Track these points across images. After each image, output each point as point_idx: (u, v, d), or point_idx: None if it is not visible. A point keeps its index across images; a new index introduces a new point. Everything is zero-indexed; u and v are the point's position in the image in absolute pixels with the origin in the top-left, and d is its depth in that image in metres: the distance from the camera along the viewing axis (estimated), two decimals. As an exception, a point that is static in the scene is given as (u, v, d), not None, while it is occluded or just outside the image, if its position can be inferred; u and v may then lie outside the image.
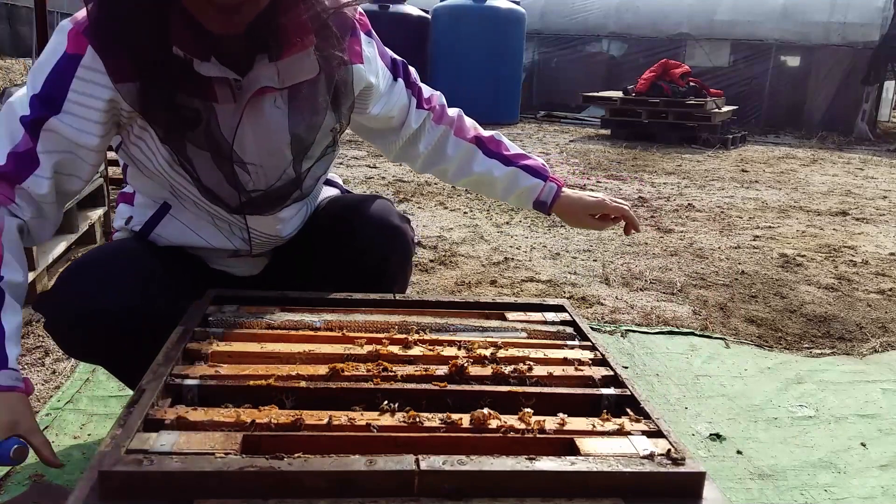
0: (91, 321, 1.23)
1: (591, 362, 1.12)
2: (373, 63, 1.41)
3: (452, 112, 1.60)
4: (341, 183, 1.70)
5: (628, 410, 0.98)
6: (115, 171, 3.53)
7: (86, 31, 1.15)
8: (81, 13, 1.17)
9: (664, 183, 5.94)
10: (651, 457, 0.84)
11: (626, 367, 2.26)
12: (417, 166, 1.62)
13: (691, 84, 8.79)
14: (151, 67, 1.14)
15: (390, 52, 1.51)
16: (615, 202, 1.58)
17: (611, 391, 1.03)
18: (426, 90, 1.58)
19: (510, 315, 1.31)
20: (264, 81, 1.22)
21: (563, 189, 1.59)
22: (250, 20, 1.13)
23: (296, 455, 0.78)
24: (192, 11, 1.11)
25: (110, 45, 1.14)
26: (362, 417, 0.90)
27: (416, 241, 1.66)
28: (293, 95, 1.27)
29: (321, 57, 1.25)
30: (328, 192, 1.61)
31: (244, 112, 1.23)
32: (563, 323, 1.29)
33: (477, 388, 1.01)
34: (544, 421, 0.92)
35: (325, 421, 0.88)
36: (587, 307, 2.81)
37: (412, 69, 1.56)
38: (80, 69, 1.16)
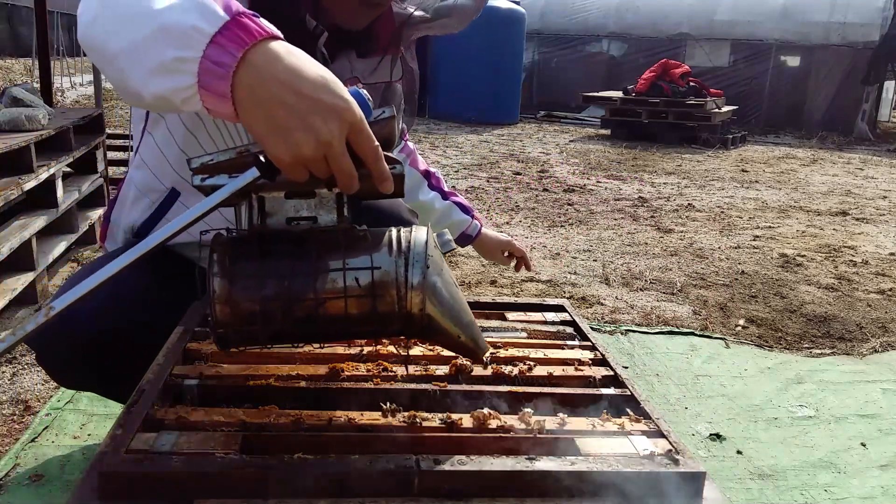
0: (77, 353, 1.20)
1: (591, 362, 1.12)
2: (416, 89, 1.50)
3: (411, 144, 1.77)
4: None
5: (628, 410, 0.98)
6: (114, 172, 3.53)
7: None
8: None
9: (664, 183, 5.94)
10: (651, 457, 0.84)
11: (626, 367, 2.26)
12: None
13: (691, 84, 8.79)
14: (281, 23, 1.15)
15: None
16: (518, 245, 1.88)
17: (611, 391, 1.03)
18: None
19: (510, 315, 1.31)
20: (353, 71, 1.28)
21: (483, 228, 1.85)
22: (373, 19, 1.20)
23: (296, 455, 0.78)
24: (326, 2, 1.15)
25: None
26: (362, 417, 0.90)
27: None
28: (375, 92, 1.32)
29: (404, 65, 1.33)
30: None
31: None
32: (563, 323, 1.29)
33: (477, 388, 1.01)
34: (544, 421, 0.91)
35: (325, 421, 0.88)
36: (587, 307, 2.81)
37: None
38: None
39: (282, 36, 0.80)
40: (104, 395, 1.41)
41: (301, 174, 0.76)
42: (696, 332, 2.60)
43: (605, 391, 1.03)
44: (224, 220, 1.36)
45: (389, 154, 0.81)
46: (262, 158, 0.76)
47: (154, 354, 1.08)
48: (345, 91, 0.77)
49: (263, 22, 0.79)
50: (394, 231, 0.86)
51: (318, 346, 1.10)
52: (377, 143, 0.78)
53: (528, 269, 1.90)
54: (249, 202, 0.83)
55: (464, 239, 1.81)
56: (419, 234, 0.85)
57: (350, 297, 0.82)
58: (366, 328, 0.86)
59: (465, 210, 1.81)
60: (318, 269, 0.82)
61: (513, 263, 1.88)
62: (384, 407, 0.93)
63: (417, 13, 1.31)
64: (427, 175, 1.77)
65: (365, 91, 0.81)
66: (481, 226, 1.84)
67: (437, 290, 0.84)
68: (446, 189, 1.80)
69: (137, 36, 0.81)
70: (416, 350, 1.11)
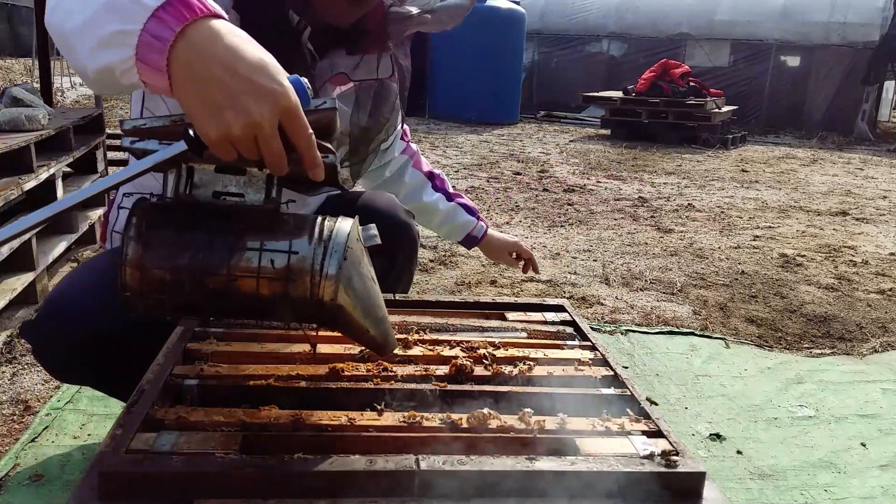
0: (74, 348, 1.21)
1: (591, 362, 1.12)
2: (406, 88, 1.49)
3: (414, 145, 1.77)
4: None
5: (628, 410, 0.98)
6: (114, 172, 3.53)
7: None
8: None
9: (664, 183, 5.94)
10: (651, 457, 0.84)
11: (626, 367, 2.26)
12: (371, 187, 1.75)
13: (691, 84, 8.78)
14: (264, 18, 1.15)
15: None
16: (525, 247, 1.86)
17: (611, 391, 1.03)
18: (404, 123, 1.70)
19: (510, 315, 1.31)
20: (341, 68, 1.28)
21: (489, 229, 1.84)
22: (360, 16, 1.20)
23: (296, 455, 0.78)
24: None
25: None
26: (362, 417, 0.90)
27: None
28: (359, 90, 1.33)
29: (394, 62, 1.33)
30: (334, 189, 1.63)
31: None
32: (563, 323, 1.29)
33: (477, 388, 1.01)
34: (544, 421, 0.92)
35: (325, 421, 0.88)
36: (587, 307, 2.81)
37: None
38: None
39: (225, 16, 0.80)
40: (102, 390, 1.42)
41: (228, 153, 0.77)
42: (696, 332, 2.60)
43: (605, 391, 1.03)
44: None
45: (324, 143, 0.82)
46: (191, 133, 0.77)
47: (152, 353, 1.08)
48: (283, 76, 0.78)
49: (209, 1, 0.80)
50: (319, 219, 0.86)
51: (317, 346, 1.10)
52: (311, 130, 0.78)
53: (536, 271, 1.88)
54: (179, 171, 0.84)
55: (469, 240, 1.80)
56: (343, 224, 0.86)
57: (262, 277, 0.82)
58: (276, 310, 0.86)
59: (471, 211, 1.79)
60: (234, 245, 0.82)
61: (521, 265, 1.86)
62: (384, 407, 0.94)
63: (407, 10, 1.30)
64: (431, 176, 1.77)
65: (305, 80, 0.81)
66: (487, 227, 1.82)
67: (352, 282, 0.85)
68: (451, 191, 1.80)
69: (88, 13, 0.83)
70: (416, 350, 1.12)
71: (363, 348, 1.10)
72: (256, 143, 0.76)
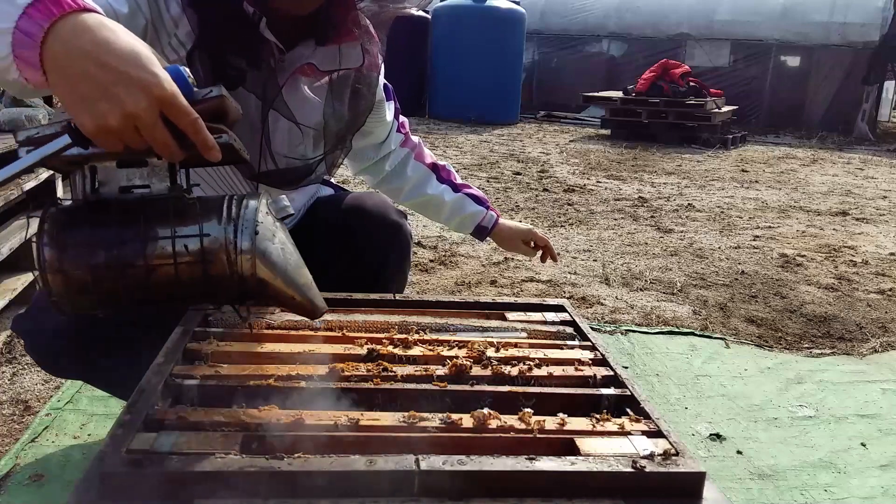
0: (66, 341, 1.22)
1: (591, 362, 1.12)
2: (381, 77, 1.46)
3: (415, 138, 1.72)
4: (339, 185, 1.73)
5: (628, 410, 0.98)
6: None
7: None
8: None
9: (664, 183, 5.94)
10: (651, 457, 0.84)
11: (626, 367, 2.26)
12: (375, 182, 1.72)
13: (691, 84, 8.78)
14: (218, 13, 1.17)
15: None
16: (540, 234, 1.77)
17: (611, 391, 1.03)
18: (400, 115, 1.67)
19: (510, 315, 1.31)
20: (308, 59, 1.27)
21: (500, 218, 1.75)
22: (319, 4, 1.19)
23: (296, 455, 0.78)
24: None
25: None
26: (362, 417, 0.90)
27: (413, 238, 1.71)
28: (332, 81, 1.32)
29: (365, 52, 1.31)
30: (326, 192, 1.62)
31: (283, 87, 1.27)
32: (563, 323, 1.29)
33: (477, 388, 1.01)
34: (544, 421, 0.92)
35: (325, 421, 0.88)
36: (587, 307, 2.81)
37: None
38: None
39: (99, 10, 0.82)
40: (93, 384, 1.44)
41: (113, 144, 0.79)
42: (696, 332, 2.60)
43: (605, 391, 1.03)
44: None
45: (216, 125, 0.83)
46: (73, 126, 0.78)
47: (139, 348, 1.08)
48: (156, 66, 0.79)
49: None
50: (226, 199, 0.88)
51: (317, 346, 1.10)
52: (196, 115, 0.79)
53: (554, 259, 1.77)
54: (83, 172, 0.85)
55: (479, 231, 1.72)
56: (251, 201, 0.88)
57: (180, 262, 0.84)
58: (205, 292, 0.87)
59: (479, 201, 1.73)
60: (147, 236, 0.83)
61: (538, 254, 1.77)
62: (384, 407, 0.94)
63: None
64: (435, 168, 1.71)
65: (186, 70, 0.83)
66: (498, 216, 1.74)
67: (268, 254, 0.86)
68: (458, 181, 1.74)
69: None
70: (416, 350, 1.12)
71: (363, 348, 1.10)
72: (139, 133, 0.78)
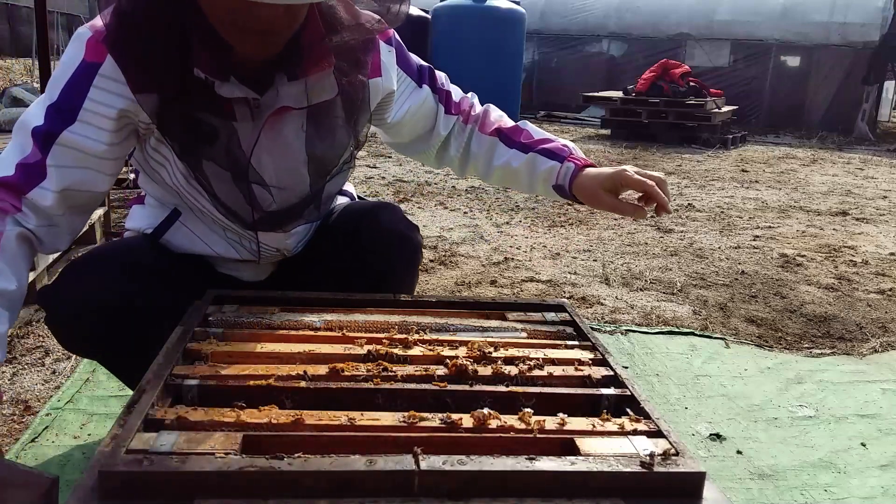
0: (88, 315, 1.23)
1: (591, 362, 1.12)
2: (390, 71, 1.39)
3: (479, 109, 1.51)
4: (353, 191, 1.67)
5: (628, 410, 0.98)
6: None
7: (105, 39, 1.13)
8: (99, 21, 1.15)
9: (664, 183, 5.93)
10: (651, 457, 0.84)
11: (626, 367, 2.26)
12: (456, 170, 1.57)
13: (691, 84, 8.78)
14: (171, 86, 1.14)
15: (416, 59, 1.47)
16: (639, 174, 1.28)
17: (611, 391, 1.03)
18: (456, 93, 1.51)
19: (510, 315, 1.31)
20: (284, 101, 1.22)
21: (585, 169, 1.37)
22: (287, 40, 1.14)
23: (296, 455, 0.78)
24: (225, 35, 1.11)
25: (130, 58, 1.13)
26: (362, 417, 0.90)
27: (423, 251, 1.66)
28: (311, 115, 1.27)
29: (341, 77, 1.24)
30: (340, 201, 1.59)
31: (262, 131, 1.24)
32: (563, 323, 1.29)
33: (477, 388, 1.01)
34: (544, 421, 0.92)
35: (325, 421, 0.88)
36: (587, 307, 2.81)
37: (441, 74, 1.51)
38: (98, 77, 1.15)
39: None
40: (108, 367, 1.43)
41: None
42: (696, 332, 2.60)
43: (605, 391, 1.03)
44: (228, 245, 1.39)
45: None
46: None
47: (159, 334, 1.09)
48: None
49: None
50: None
51: (317, 346, 1.10)
52: None
53: (666, 209, 1.26)
54: None
55: (559, 190, 1.39)
56: None
57: None
58: None
59: (553, 155, 1.40)
60: None
61: (641, 205, 1.29)
62: (384, 407, 0.94)
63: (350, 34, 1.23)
64: (499, 133, 1.47)
65: None
66: (578, 166, 1.37)
67: None
68: (535, 137, 1.44)
69: None
70: (416, 350, 1.12)
71: (363, 348, 1.10)
72: None
